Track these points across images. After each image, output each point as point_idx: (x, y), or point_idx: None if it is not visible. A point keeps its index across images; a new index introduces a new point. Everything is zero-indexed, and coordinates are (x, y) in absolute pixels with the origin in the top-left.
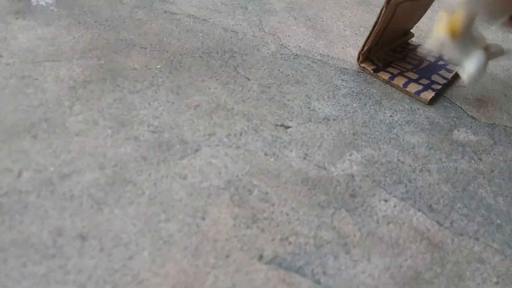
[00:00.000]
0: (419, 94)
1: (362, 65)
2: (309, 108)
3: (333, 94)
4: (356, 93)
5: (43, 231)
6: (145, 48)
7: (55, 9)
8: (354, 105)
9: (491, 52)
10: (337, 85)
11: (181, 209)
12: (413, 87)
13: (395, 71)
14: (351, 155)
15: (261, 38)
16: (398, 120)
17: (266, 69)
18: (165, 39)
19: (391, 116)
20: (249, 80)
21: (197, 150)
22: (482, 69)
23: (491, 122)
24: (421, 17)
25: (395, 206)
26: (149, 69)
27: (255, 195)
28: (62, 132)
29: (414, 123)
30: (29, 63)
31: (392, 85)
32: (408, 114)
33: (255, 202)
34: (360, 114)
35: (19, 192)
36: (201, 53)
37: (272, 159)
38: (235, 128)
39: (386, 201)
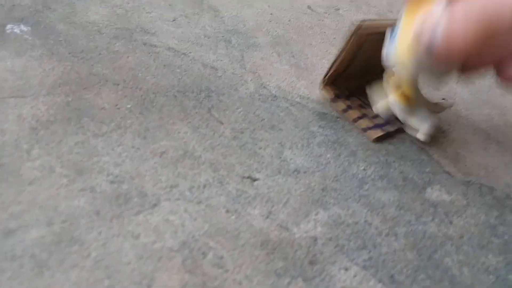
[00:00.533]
0: (366, 132)
1: (323, 90)
2: (280, 158)
3: (308, 143)
4: (331, 142)
5: None
6: (118, 85)
7: (30, 38)
8: (328, 155)
9: (436, 110)
10: (313, 132)
11: (128, 275)
12: (363, 123)
13: (354, 104)
14: (317, 214)
15: (241, 76)
16: (371, 174)
17: (242, 112)
18: (140, 74)
19: (364, 169)
20: (222, 124)
21: (155, 205)
22: (435, 127)
23: (467, 179)
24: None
25: (355, 276)
26: (119, 108)
27: (209, 259)
28: (15, 180)
29: (387, 178)
30: None
31: (345, 118)
32: (382, 167)
33: (208, 268)
34: (333, 166)
35: None
36: (176, 92)
37: (233, 217)
38: (199, 179)
39: (346, 269)
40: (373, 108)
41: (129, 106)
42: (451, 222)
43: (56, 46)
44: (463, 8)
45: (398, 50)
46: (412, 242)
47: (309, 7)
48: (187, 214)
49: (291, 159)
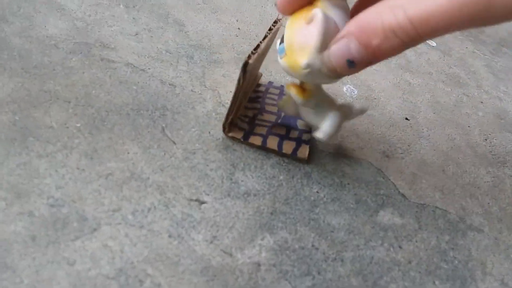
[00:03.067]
0: (296, 153)
1: (230, 134)
2: (231, 179)
3: (261, 164)
4: (286, 163)
5: None
6: (69, 102)
7: None
8: (281, 177)
9: (346, 112)
10: (267, 153)
11: None
12: (288, 147)
13: (264, 130)
14: (263, 238)
15: (200, 94)
16: (324, 197)
17: (196, 131)
18: (94, 91)
19: (317, 192)
20: (175, 144)
21: (95, 230)
22: (337, 128)
23: (422, 202)
24: (265, 55)
25: None
26: (67, 127)
27: (146, 287)
28: None
29: (339, 201)
30: None
31: (268, 150)
32: (336, 190)
33: None
34: (285, 188)
35: None
36: (130, 110)
37: (175, 242)
38: (144, 203)
39: None
40: (277, 105)
41: (78, 125)
42: (400, 247)
43: (9, 61)
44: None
45: (287, 59)
46: (358, 268)
47: (276, 21)
48: (127, 239)
49: (242, 181)
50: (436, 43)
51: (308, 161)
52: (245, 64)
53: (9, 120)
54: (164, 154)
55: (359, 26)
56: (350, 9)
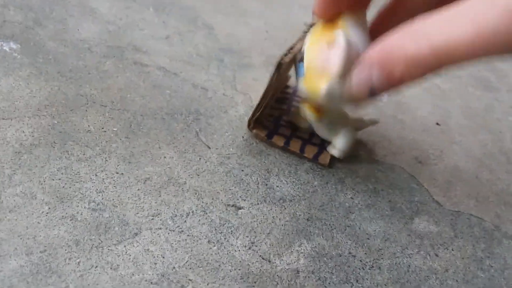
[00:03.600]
0: (317, 158)
1: (254, 131)
2: (266, 185)
3: (295, 169)
4: (319, 168)
5: None
6: (105, 106)
7: (18, 56)
8: (315, 183)
9: (357, 126)
10: (301, 158)
11: None
12: (310, 151)
13: (288, 132)
14: (300, 245)
15: (232, 97)
16: (359, 203)
17: (230, 136)
18: (129, 95)
19: (351, 198)
20: (209, 148)
21: (136, 234)
22: (351, 144)
23: (456, 210)
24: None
25: None
26: (105, 131)
27: None
28: None
29: (374, 208)
30: None
31: (290, 152)
32: (370, 196)
33: None
34: (320, 194)
35: None
36: (164, 114)
37: (215, 248)
38: (182, 208)
39: None
40: (289, 116)
41: (115, 129)
42: (437, 255)
43: (45, 65)
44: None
45: (307, 83)
46: (395, 276)
47: (305, 23)
48: (168, 244)
49: (277, 186)
50: None
51: (329, 166)
52: (279, 64)
53: (48, 124)
54: (200, 158)
55: (382, 54)
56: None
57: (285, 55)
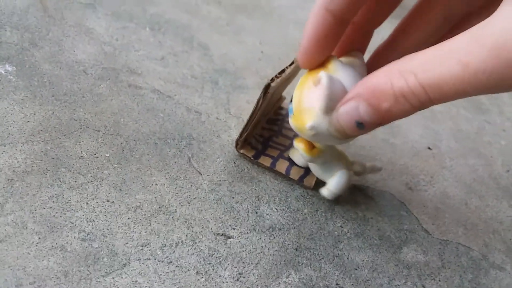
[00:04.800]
0: (302, 181)
1: (241, 151)
2: (256, 213)
3: (286, 196)
4: (310, 195)
5: None
6: (98, 131)
7: (13, 79)
8: (305, 210)
9: (357, 170)
10: (292, 185)
11: None
12: (295, 173)
13: (275, 153)
14: (288, 276)
15: (225, 121)
16: (348, 232)
17: (222, 162)
18: (122, 120)
19: (341, 226)
20: (201, 175)
21: (125, 265)
22: (344, 187)
23: (445, 238)
24: (290, 81)
25: None
26: (97, 157)
27: None
28: None
29: (363, 237)
30: None
31: (275, 173)
32: (359, 224)
33: None
34: (309, 222)
35: None
36: (157, 139)
37: (203, 279)
38: (172, 237)
39: None
40: (290, 154)
41: (107, 155)
42: (424, 286)
43: (40, 88)
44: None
45: (295, 120)
46: None
47: (299, 43)
48: (156, 275)
49: (267, 214)
50: None
51: (313, 189)
52: (267, 87)
53: (41, 150)
54: (191, 185)
55: (368, 88)
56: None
57: (272, 80)
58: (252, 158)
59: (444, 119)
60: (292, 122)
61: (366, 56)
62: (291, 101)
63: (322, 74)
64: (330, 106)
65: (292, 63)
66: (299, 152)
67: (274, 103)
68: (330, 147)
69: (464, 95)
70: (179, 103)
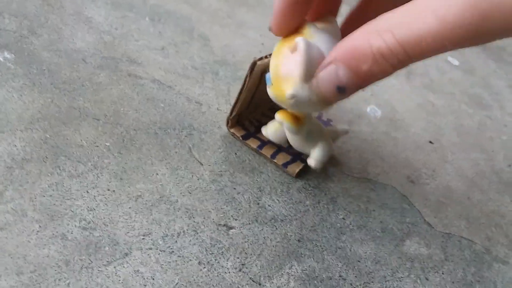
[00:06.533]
0: (286, 167)
1: (232, 130)
2: (258, 204)
3: (288, 188)
4: (312, 187)
5: None
6: (98, 120)
7: (12, 66)
8: (307, 202)
9: (333, 137)
10: (293, 177)
11: None
12: (281, 158)
13: (266, 138)
14: (291, 267)
15: (225, 112)
16: (350, 224)
17: (223, 152)
18: (122, 109)
19: (343, 218)
20: (202, 165)
21: (126, 254)
22: (329, 155)
23: (447, 232)
24: None
25: None
26: (97, 146)
27: None
28: None
29: (366, 229)
30: None
31: (261, 155)
32: (361, 217)
33: None
34: (311, 214)
35: None
36: (158, 129)
37: (205, 269)
38: (174, 227)
39: None
40: (263, 132)
41: (107, 144)
42: (427, 279)
43: (39, 76)
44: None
45: (274, 90)
46: None
47: None
48: (158, 265)
49: (269, 205)
50: (459, 62)
51: (297, 177)
52: (253, 64)
53: (40, 138)
54: (192, 176)
55: (346, 51)
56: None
57: (261, 58)
58: (241, 138)
59: (446, 114)
60: (271, 91)
61: (339, 21)
62: (268, 70)
63: (298, 39)
64: (309, 72)
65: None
66: (279, 127)
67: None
68: (311, 118)
69: (443, 50)
70: (180, 94)
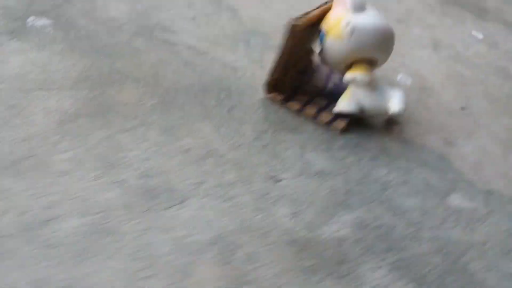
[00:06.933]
0: (332, 124)
1: (271, 95)
2: (302, 160)
3: (329, 146)
4: (353, 145)
5: (21, 282)
6: (139, 82)
7: (51, 31)
8: (350, 159)
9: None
10: (334, 135)
11: (164, 266)
12: (324, 117)
13: (305, 98)
14: (342, 216)
15: (261, 78)
16: (393, 180)
17: (263, 112)
18: (160, 72)
19: (386, 174)
20: (243, 124)
21: (183, 201)
22: (404, 99)
23: (488, 188)
24: (317, 29)
25: (385, 276)
26: (141, 105)
27: (241, 255)
28: (46, 171)
29: (409, 185)
30: (19, 91)
31: (304, 115)
32: (403, 173)
33: (240, 263)
34: (355, 170)
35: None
36: (197, 91)
37: (260, 216)
38: (224, 178)
39: (375, 269)
40: (335, 111)
41: (151, 103)
42: (474, 229)
43: (77, 41)
44: None
45: (330, 34)
46: (437, 247)
47: (326, 3)
48: (214, 211)
49: (313, 161)
50: (483, 36)
51: (343, 132)
52: (292, 26)
53: (87, 96)
54: (235, 133)
55: None
56: None
57: (298, 18)
58: (281, 102)
59: (475, 83)
60: (328, 39)
61: None
62: (319, 34)
63: None
64: (359, 3)
65: (318, 7)
66: (352, 94)
67: (304, 53)
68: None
69: None
70: (215, 59)
